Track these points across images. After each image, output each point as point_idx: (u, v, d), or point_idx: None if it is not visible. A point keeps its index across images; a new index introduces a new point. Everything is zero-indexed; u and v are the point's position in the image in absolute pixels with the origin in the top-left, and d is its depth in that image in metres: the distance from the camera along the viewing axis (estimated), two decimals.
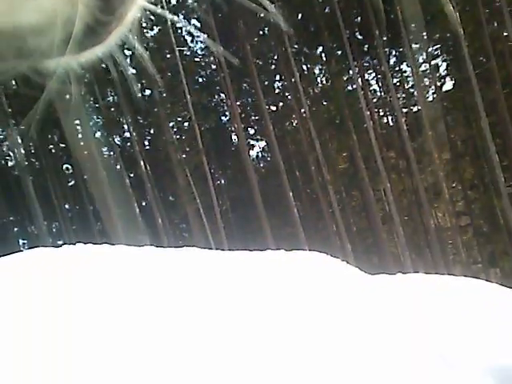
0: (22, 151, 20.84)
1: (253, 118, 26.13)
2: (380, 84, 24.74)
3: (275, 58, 23.73)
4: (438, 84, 23.61)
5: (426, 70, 23.66)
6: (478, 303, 5.47)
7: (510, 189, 20.43)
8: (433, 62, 23.24)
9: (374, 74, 24.60)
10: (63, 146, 22.16)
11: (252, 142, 26.71)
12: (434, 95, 23.87)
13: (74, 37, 0.37)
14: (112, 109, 22.69)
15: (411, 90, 24.38)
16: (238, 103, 23.85)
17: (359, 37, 22.99)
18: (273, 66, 24.36)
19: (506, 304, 5.49)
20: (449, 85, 24.02)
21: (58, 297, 3.63)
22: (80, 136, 20.39)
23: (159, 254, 5.47)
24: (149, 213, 20.70)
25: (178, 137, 22.64)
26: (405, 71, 24.30)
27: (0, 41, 0.36)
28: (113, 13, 0.37)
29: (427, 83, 24.28)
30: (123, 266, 4.42)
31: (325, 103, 24.66)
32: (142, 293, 3.69)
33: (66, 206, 23.34)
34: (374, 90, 25.00)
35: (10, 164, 23.06)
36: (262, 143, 26.98)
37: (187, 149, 22.54)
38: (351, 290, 4.02)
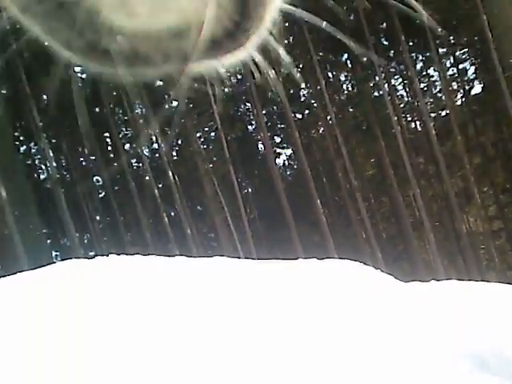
0: (54, 164, 21.32)
1: (279, 126, 26.17)
2: (407, 89, 24.50)
3: (300, 65, 23.76)
4: (467, 88, 23.27)
5: (454, 74, 23.36)
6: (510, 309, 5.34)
7: None
8: (460, 66, 22.93)
9: (400, 80, 24.40)
10: (93, 158, 22.56)
11: (278, 151, 26.74)
12: (463, 99, 23.52)
13: (212, 40, 0.36)
14: (140, 120, 23.04)
15: (439, 95, 24.07)
16: (264, 112, 23.93)
17: (385, 42, 22.85)
18: (298, 74, 24.39)
19: None
20: (477, 88, 23.65)
21: (93, 307, 3.70)
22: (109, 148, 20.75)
23: (190, 263, 5.51)
24: (178, 223, 20.87)
25: (204, 147, 22.83)
26: (432, 76, 24.03)
27: (142, 43, 0.35)
28: (251, 15, 0.36)
29: (455, 87, 23.95)
30: (157, 276, 4.48)
31: (351, 110, 24.54)
32: (176, 303, 3.73)
33: (97, 218, 23.72)
34: (401, 96, 24.79)
35: (42, 177, 23.59)
36: (289, 151, 26.99)
37: (214, 158, 22.70)
38: (387, 298, 3.98)
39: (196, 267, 5.18)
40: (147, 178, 21.12)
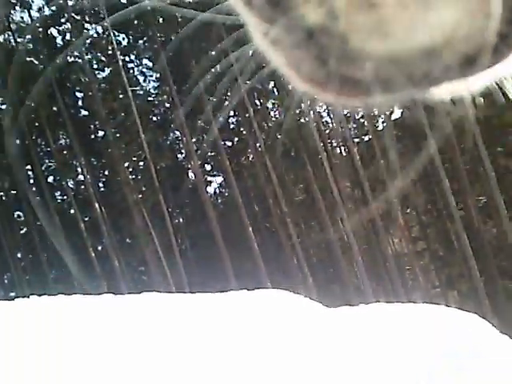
0: None
1: (209, 154, 26.19)
2: (331, 115, 25.38)
3: (228, 94, 24.02)
4: (387, 113, 24.41)
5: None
6: (437, 330, 5.55)
7: (461, 212, 21.11)
8: None
9: (324, 107, 25.24)
10: (14, 192, 21.52)
11: (209, 179, 26.71)
12: (384, 124, 24.66)
13: (472, 56, 0.32)
14: (64, 152, 22.33)
15: (361, 120, 25.10)
16: (194, 140, 23.92)
17: None
18: (226, 103, 24.63)
19: (463, 329, 5.59)
20: (397, 113, 24.86)
21: (8, 357, 3.46)
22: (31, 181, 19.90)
23: (117, 302, 5.32)
24: (105, 257, 20.19)
25: (133, 177, 22.39)
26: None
27: (390, 67, 0.33)
28: None
29: (376, 113, 25.09)
30: (79, 318, 4.27)
31: (279, 137, 25.02)
32: (98, 347, 3.56)
33: (18, 256, 22.47)
34: (326, 122, 25.61)
35: None
36: (219, 179, 27.02)
37: (143, 188, 22.30)
38: (313, 328, 4.01)
39: (123, 305, 5.00)
40: (72, 211, 20.39)
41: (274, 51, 0.35)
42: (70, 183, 22.82)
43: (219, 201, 27.62)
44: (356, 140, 24.72)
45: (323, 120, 25.40)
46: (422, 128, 19.91)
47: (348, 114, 24.92)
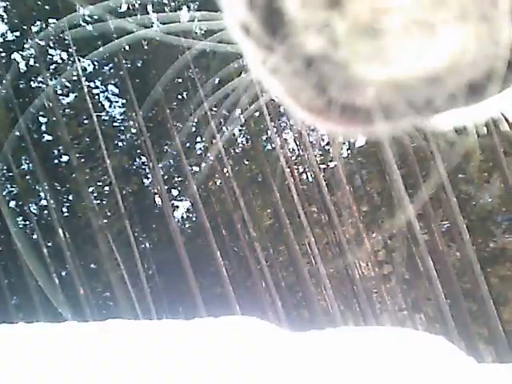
0: None
1: (176, 179, 26.10)
2: (297, 142, 25.72)
3: (195, 120, 24.12)
4: (352, 141, 24.90)
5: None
6: (406, 353, 5.58)
7: (425, 236, 21.51)
8: None
9: (291, 134, 25.58)
10: None
11: (176, 203, 26.54)
12: (349, 151, 25.12)
13: (475, 85, 0.31)
14: (27, 176, 21.85)
15: (327, 147, 25.52)
16: (160, 165, 23.80)
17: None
18: (193, 129, 24.72)
19: (431, 352, 5.65)
20: (361, 141, 25.39)
21: None
22: None
23: (81, 329, 5.17)
24: (69, 283, 19.68)
25: (98, 202, 22.04)
26: (319, 130, 25.47)
27: (392, 94, 0.32)
28: None
29: (341, 140, 25.53)
30: (40, 347, 4.12)
31: (246, 162, 25.17)
32: (56, 376, 3.44)
33: None
34: (293, 149, 25.93)
35: None
36: (187, 204, 26.88)
37: (109, 214, 21.96)
38: (279, 354, 3.98)
39: (86, 333, 4.86)
40: (35, 236, 19.87)
41: (273, 80, 0.35)
42: (33, 208, 22.32)
43: (187, 226, 27.43)
44: (322, 166, 25.07)
45: (289, 147, 25.73)
46: (386, 155, 20.36)
47: (313, 142, 25.35)
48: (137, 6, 19.91)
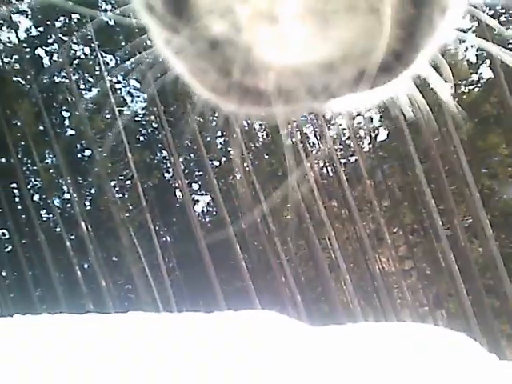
0: None
1: (196, 173, 26.23)
2: (318, 137, 25.59)
3: (216, 114, 24.14)
4: (373, 135, 24.70)
5: (361, 122, 24.76)
6: (426, 349, 5.54)
7: (447, 231, 21.25)
8: (366, 115, 24.39)
9: (311, 128, 25.47)
10: None
11: (197, 198, 26.69)
12: (370, 145, 24.90)
13: (368, 72, 0.33)
14: (50, 170, 22.19)
15: (348, 142, 25.34)
16: (181, 159, 23.94)
17: None
18: (214, 123, 24.77)
19: (452, 349, 5.60)
20: (383, 135, 25.16)
21: None
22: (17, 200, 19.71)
23: (102, 321, 5.25)
24: (91, 275, 19.96)
25: (120, 196, 22.29)
26: (340, 124, 25.32)
27: (290, 80, 0.33)
28: (414, 42, 0.32)
29: (362, 134, 25.35)
30: (63, 337, 4.20)
31: (266, 157, 25.15)
32: (81, 367, 3.51)
33: (3, 274, 22.16)
34: (313, 143, 25.82)
35: None
36: (207, 198, 27.01)
37: (130, 207, 22.19)
38: (299, 348, 3.98)
39: (107, 324, 4.94)
40: (58, 229, 20.19)
41: (177, 60, 0.35)
42: (56, 202, 22.67)
43: (207, 219, 27.58)
44: (343, 161, 24.91)
45: (310, 141, 25.61)
46: (408, 149, 20.13)
47: (335, 136, 25.20)
48: None
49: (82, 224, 19.75)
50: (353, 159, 24.74)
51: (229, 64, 0.33)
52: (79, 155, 23.62)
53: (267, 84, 0.34)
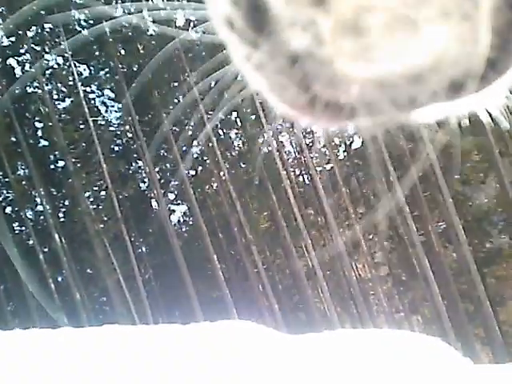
0: None
1: (172, 183, 26.09)
2: (294, 145, 25.74)
3: (191, 124, 24.13)
4: (348, 142, 24.95)
5: (335, 130, 24.96)
6: (403, 355, 5.59)
7: (422, 237, 21.55)
8: None
9: (287, 136, 25.60)
10: None
11: (173, 207, 26.52)
12: (345, 153, 25.15)
13: (457, 82, 0.32)
14: (23, 182, 21.81)
15: (323, 149, 25.53)
16: (157, 169, 23.79)
17: None
18: (189, 132, 24.71)
19: (428, 354, 5.66)
20: (357, 143, 25.43)
21: None
22: None
23: (76, 335, 5.16)
24: (65, 288, 19.62)
25: (94, 207, 22.01)
26: (316, 132, 25.52)
27: (375, 92, 0.32)
28: (510, 49, 0.31)
29: (337, 142, 25.58)
30: (35, 353, 4.11)
31: (243, 166, 25.17)
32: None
33: None
34: (289, 151, 25.94)
35: None
36: (183, 208, 26.86)
37: (105, 218, 21.92)
38: (275, 358, 3.98)
39: (81, 339, 4.85)
40: (31, 242, 19.82)
41: (257, 75, 0.35)
42: (29, 213, 22.27)
43: (183, 229, 27.40)
44: (318, 168, 25.09)
45: (286, 149, 25.73)
46: (381, 156, 20.40)
47: (309, 144, 25.37)
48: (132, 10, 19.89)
49: (56, 236, 19.44)
50: (328, 167, 24.94)
51: (310, 78, 0.32)
52: (52, 166, 23.28)
53: (349, 97, 0.33)
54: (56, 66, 22.49)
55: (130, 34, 21.21)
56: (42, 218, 22.05)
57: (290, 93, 0.34)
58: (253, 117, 23.12)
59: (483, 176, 22.73)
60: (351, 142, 25.50)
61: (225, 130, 25.15)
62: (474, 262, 19.70)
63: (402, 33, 0.29)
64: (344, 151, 25.46)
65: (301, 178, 26.33)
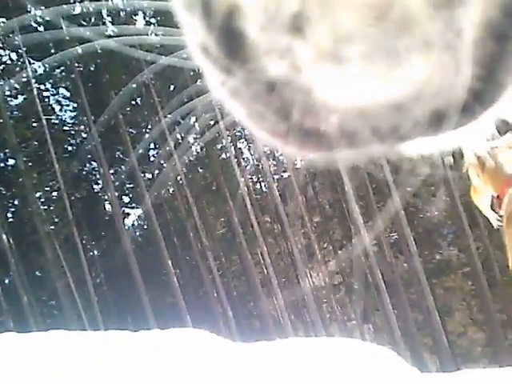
0: None
1: (127, 186, 25.68)
2: (252, 152, 25.82)
3: (149, 127, 23.86)
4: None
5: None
6: (352, 364, 5.66)
7: (375, 247, 21.98)
8: None
9: (245, 143, 25.68)
10: None
11: (127, 211, 26.08)
12: (302, 162, 25.42)
13: (439, 112, 0.30)
14: None
15: (281, 158, 25.74)
16: (112, 171, 23.35)
17: None
18: (147, 135, 24.42)
19: (376, 363, 5.75)
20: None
21: None
22: None
23: (21, 340, 4.97)
24: (12, 291, 18.93)
25: (45, 207, 21.36)
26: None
27: (355, 121, 0.31)
28: (495, 81, 0.29)
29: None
30: None
31: (200, 170, 25.06)
32: None
33: None
34: (247, 158, 26.02)
35: None
36: (138, 211, 26.46)
37: (56, 220, 21.32)
38: (223, 367, 3.94)
39: (26, 344, 4.67)
40: None
41: (233, 102, 0.33)
42: None
43: (138, 233, 27.00)
44: (275, 176, 25.27)
45: (244, 156, 25.81)
46: (338, 167, 20.68)
47: (267, 151, 25.53)
48: (91, 9, 19.54)
49: (4, 237, 18.76)
50: (285, 175, 25.16)
51: (287, 106, 0.31)
52: (2, 164, 22.50)
53: (329, 126, 0.32)
54: (9, 62, 21.80)
55: (88, 33, 20.77)
56: None
57: (268, 121, 0.33)
58: (211, 122, 23.04)
59: (434, 189, 23.44)
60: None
61: (183, 134, 24.97)
62: (424, 272, 20.25)
63: (382, 62, 0.28)
64: (301, 160, 25.75)
65: (258, 186, 26.44)
